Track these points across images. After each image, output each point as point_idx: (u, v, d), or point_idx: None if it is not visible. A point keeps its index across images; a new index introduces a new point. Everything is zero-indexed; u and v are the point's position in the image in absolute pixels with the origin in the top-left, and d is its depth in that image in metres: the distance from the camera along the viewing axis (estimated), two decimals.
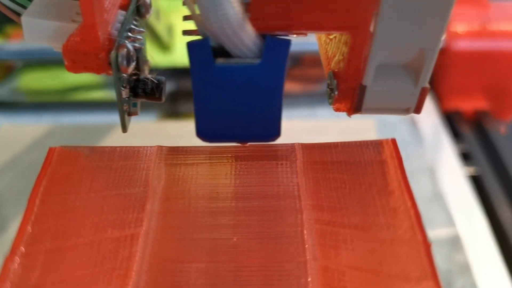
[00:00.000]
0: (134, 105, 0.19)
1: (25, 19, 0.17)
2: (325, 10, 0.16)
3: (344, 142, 0.19)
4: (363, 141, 0.19)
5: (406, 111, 0.18)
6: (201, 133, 0.18)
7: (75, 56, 0.16)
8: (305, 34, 0.17)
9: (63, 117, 0.42)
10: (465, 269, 0.31)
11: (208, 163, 0.19)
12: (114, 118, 0.42)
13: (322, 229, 0.16)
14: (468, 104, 0.45)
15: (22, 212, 0.16)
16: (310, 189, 0.17)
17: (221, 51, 0.16)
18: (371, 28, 0.16)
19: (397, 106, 0.18)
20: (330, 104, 0.18)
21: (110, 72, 0.17)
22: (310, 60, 0.48)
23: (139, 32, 0.19)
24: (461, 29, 0.44)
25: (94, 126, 0.39)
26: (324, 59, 0.19)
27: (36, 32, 0.17)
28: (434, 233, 0.33)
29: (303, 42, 0.45)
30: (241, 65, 0.16)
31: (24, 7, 0.17)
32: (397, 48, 0.16)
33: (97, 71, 0.17)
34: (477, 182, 0.38)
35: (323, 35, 0.20)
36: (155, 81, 0.18)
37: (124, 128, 0.18)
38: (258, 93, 0.17)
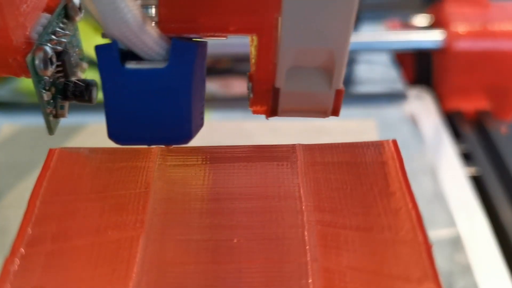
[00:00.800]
0: (62, 107, 0.19)
1: None
2: (230, 12, 0.16)
3: (345, 143, 0.19)
4: (364, 142, 0.19)
5: (323, 113, 0.18)
6: (112, 135, 0.18)
7: None
8: (225, 37, 0.17)
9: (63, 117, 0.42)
10: (466, 269, 0.31)
11: (208, 164, 0.19)
12: None
13: (323, 230, 0.16)
14: (469, 104, 0.45)
15: (22, 213, 0.16)
16: (311, 190, 0.17)
17: (132, 54, 0.16)
18: (275, 30, 0.16)
19: (314, 109, 0.18)
20: (249, 107, 0.19)
21: (28, 75, 0.17)
22: None
23: (65, 35, 0.19)
24: (462, 29, 0.44)
25: (94, 127, 0.39)
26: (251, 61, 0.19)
27: None
28: (435, 233, 0.33)
29: None
30: (148, 68, 0.17)
31: None
32: (305, 49, 0.16)
33: (15, 74, 0.17)
34: (478, 183, 0.38)
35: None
36: (82, 84, 0.19)
37: (51, 131, 0.19)
38: (166, 97, 0.17)
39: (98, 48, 0.17)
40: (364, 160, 0.18)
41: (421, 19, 0.50)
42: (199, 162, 0.19)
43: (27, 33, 0.17)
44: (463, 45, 0.43)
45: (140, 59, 0.17)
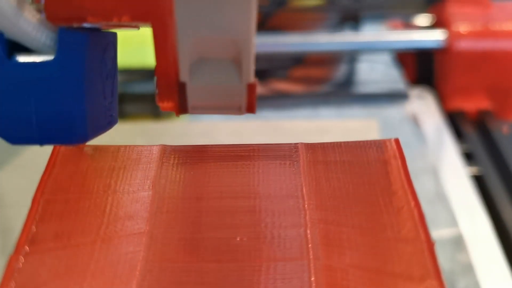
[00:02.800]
0: None
1: None
2: None
3: (348, 142, 0.19)
4: (367, 141, 0.19)
5: (238, 110, 0.17)
6: (3, 134, 0.17)
7: None
8: (102, 25, 0.16)
9: None
10: (468, 269, 0.31)
11: (211, 163, 0.19)
12: None
13: (326, 228, 0.16)
14: (471, 104, 0.45)
15: (26, 211, 0.16)
16: (313, 189, 0.17)
17: (23, 47, 0.15)
18: (169, 17, 0.15)
19: (227, 104, 0.17)
20: (156, 103, 0.17)
21: None
22: (313, 60, 0.49)
23: None
24: (463, 29, 0.44)
25: None
26: None
27: None
28: (437, 233, 0.33)
29: (306, 42, 0.45)
30: (36, 61, 0.15)
31: None
32: (206, 39, 0.15)
33: None
34: (480, 182, 0.38)
35: None
36: None
37: None
38: (55, 92, 0.16)
39: None
40: (367, 159, 0.18)
41: (422, 19, 0.50)
42: (202, 161, 0.19)
43: None
44: (464, 45, 0.43)
45: (29, 50, 0.15)
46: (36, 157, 0.36)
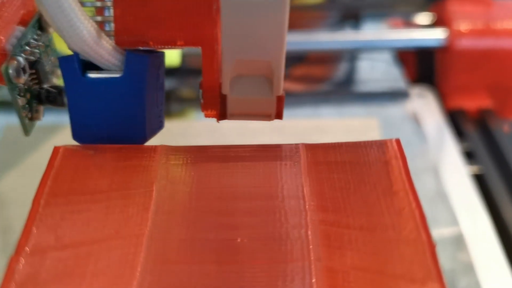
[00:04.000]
0: (37, 111, 0.21)
1: None
2: (176, 28, 0.18)
3: (348, 143, 0.19)
4: (367, 141, 0.19)
5: (268, 117, 0.20)
6: (76, 137, 0.20)
7: None
8: (163, 49, 0.19)
9: (66, 117, 0.42)
10: (469, 268, 0.31)
11: (212, 163, 0.19)
12: None
13: (327, 229, 0.16)
14: (472, 103, 0.45)
15: (27, 212, 0.16)
16: (314, 189, 0.17)
17: (92, 64, 0.18)
18: (216, 43, 0.18)
19: (259, 113, 0.20)
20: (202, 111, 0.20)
21: (3, 83, 0.19)
22: (314, 59, 0.48)
23: (38, 46, 0.20)
24: (464, 27, 0.44)
25: None
26: None
27: None
28: (438, 232, 0.33)
29: (307, 41, 0.45)
30: (106, 78, 0.19)
31: None
32: (245, 61, 0.18)
33: None
34: (481, 181, 0.38)
35: None
36: (55, 90, 0.21)
37: (26, 132, 0.21)
38: (123, 103, 0.19)
39: (60, 60, 0.19)
40: (368, 159, 0.18)
41: (423, 18, 0.50)
42: (202, 162, 0.19)
43: (2, 45, 0.19)
44: (465, 43, 0.43)
45: (99, 68, 0.18)
46: (37, 157, 0.36)
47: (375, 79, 0.48)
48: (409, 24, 0.51)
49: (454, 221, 0.34)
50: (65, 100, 0.20)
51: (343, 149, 0.19)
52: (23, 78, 0.19)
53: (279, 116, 0.20)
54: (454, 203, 0.35)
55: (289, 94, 0.49)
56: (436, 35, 0.44)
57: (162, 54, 0.19)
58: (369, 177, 0.18)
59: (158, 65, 0.19)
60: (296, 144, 0.19)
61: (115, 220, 0.16)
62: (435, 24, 0.47)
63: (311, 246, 0.16)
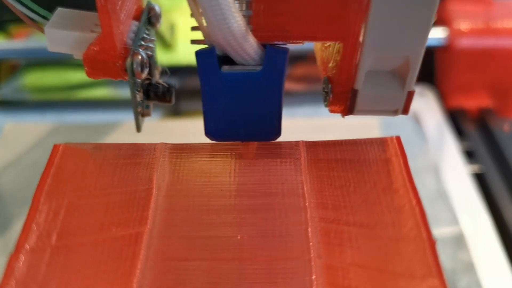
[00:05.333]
0: (147, 107, 0.20)
1: (49, 30, 0.18)
2: (319, 22, 0.18)
3: (349, 140, 0.19)
4: (368, 139, 0.19)
5: (394, 112, 0.20)
6: (209, 132, 0.19)
7: (94, 64, 0.18)
8: (302, 43, 0.18)
9: (67, 115, 0.42)
10: (469, 267, 0.31)
11: (212, 161, 0.19)
12: (118, 116, 0.42)
13: (327, 227, 0.16)
14: (472, 102, 0.45)
15: (27, 210, 0.16)
16: (314, 187, 0.17)
17: (226, 59, 0.18)
18: (361, 38, 0.18)
19: (386, 108, 0.19)
20: (326, 106, 0.20)
21: (126, 77, 0.18)
22: (314, 58, 0.48)
23: (151, 41, 0.20)
24: (465, 26, 0.44)
25: (98, 124, 0.39)
26: (320, 64, 0.21)
27: (59, 41, 0.19)
28: (438, 231, 0.33)
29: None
30: (244, 72, 0.18)
31: (47, 19, 0.19)
32: (384, 56, 0.18)
33: (114, 76, 0.18)
34: (481, 180, 0.38)
35: (319, 43, 0.21)
36: (166, 85, 0.20)
37: (139, 128, 0.20)
38: (260, 97, 0.19)
39: (198, 54, 0.18)
40: (368, 157, 0.18)
41: None
42: (203, 159, 0.19)
43: (124, 39, 0.18)
44: (466, 42, 0.43)
45: (232, 63, 0.18)
46: (37, 155, 0.36)
47: None
48: None
49: (454, 220, 0.34)
50: (173, 96, 0.20)
51: (343, 147, 0.19)
52: (145, 74, 0.19)
53: (405, 111, 0.19)
54: (454, 202, 0.35)
55: (289, 93, 0.49)
56: (437, 35, 0.44)
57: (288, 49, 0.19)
58: (369, 175, 0.18)
59: (287, 59, 0.19)
60: (296, 142, 0.19)
61: (115, 217, 0.16)
62: (435, 23, 0.47)
63: (311, 243, 0.16)
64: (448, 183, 0.37)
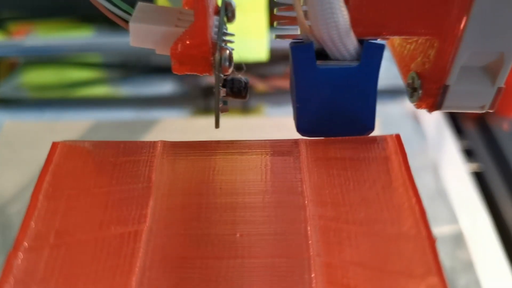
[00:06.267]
0: (225, 103, 0.20)
1: (133, 25, 0.18)
2: (420, 17, 0.18)
3: (348, 138, 0.19)
4: (367, 137, 0.19)
5: (481, 108, 0.20)
6: (302, 129, 0.20)
7: (184, 58, 0.18)
8: (387, 38, 0.19)
9: (66, 113, 0.42)
10: (469, 266, 0.31)
11: (211, 159, 0.19)
12: (117, 114, 0.42)
13: (326, 225, 0.16)
14: None
15: (25, 208, 0.16)
16: (314, 185, 0.17)
17: (320, 54, 0.18)
18: (459, 34, 0.17)
19: (474, 104, 0.20)
20: (412, 102, 0.20)
21: (212, 73, 0.18)
22: None
23: (230, 36, 0.20)
24: None
25: (97, 123, 0.39)
26: (401, 60, 0.21)
27: (143, 36, 0.18)
28: (437, 230, 0.33)
29: None
30: (340, 67, 0.18)
31: (129, 14, 0.19)
32: (480, 52, 0.18)
33: (201, 71, 0.18)
34: (480, 179, 0.38)
35: (397, 38, 0.21)
36: (244, 81, 0.20)
37: (217, 124, 0.20)
38: (355, 92, 0.19)
39: (295, 49, 0.18)
40: (367, 155, 0.18)
41: None
42: (202, 157, 0.19)
43: (212, 34, 0.18)
44: None
45: (326, 58, 0.18)
46: (36, 153, 0.36)
47: None
48: None
49: (453, 219, 0.34)
50: (248, 92, 0.20)
51: (343, 145, 0.19)
52: (231, 69, 0.19)
53: (492, 107, 0.20)
54: (453, 201, 0.35)
55: (288, 92, 0.49)
56: None
57: None
58: (368, 173, 0.18)
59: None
60: (296, 140, 0.19)
61: (114, 215, 0.16)
62: None
63: (310, 242, 0.16)
64: (448, 182, 0.37)
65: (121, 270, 0.15)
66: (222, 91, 0.19)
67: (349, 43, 0.18)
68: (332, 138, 0.19)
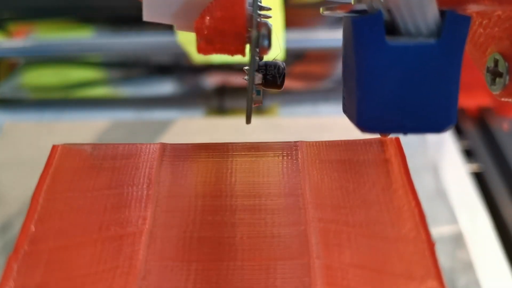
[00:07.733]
0: (258, 92, 0.17)
1: None
2: None
3: (348, 141, 0.19)
4: (367, 139, 0.19)
5: None
6: (363, 122, 0.16)
7: (211, 35, 0.15)
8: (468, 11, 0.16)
9: (65, 114, 0.42)
10: (468, 266, 0.31)
11: (211, 161, 0.19)
12: (117, 115, 0.42)
13: (326, 227, 0.16)
14: (471, 101, 0.45)
15: (25, 210, 0.16)
16: (313, 187, 0.17)
17: (386, 29, 0.15)
18: None
19: None
20: (494, 91, 0.17)
21: (245, 54, 0.15)
22: (313, 57, 0.48)
23: (267, 10, 0.16)
24: None
25: (97, 124, 0.39)
26: (477, 44, 0.18)
27: (159, 9, 0.15)
28: (437, 230, 0.33)
29: (306, 38, 0.45)
30: (417, 44, 0.15)
31: None
32: None
33: (232, 52, 0.15)
34: (480, 179, 0.38)
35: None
36: (281, 66, 0.16)
37: (249, 119, 0.17)
38: (434, 76, 0.15)
39: (357, 22, 0.14)
40: (367, 157, 0.18)
41: None
42: (202, 159, 0.19)
43: (246, 5, 0.15)
44: None
45: (394, 33, 0.15)
46: (36, 154, 0.36)
47: None
48: None
49: (453, 220, 0.34)
50: (284, 80, 0.17)
51: (343, 147, 0.19)
52: (270, 50, 0.15)
53: None
54: (453, 201, 0.35)
55: (288, 92, 0.49)
56: None
57: None
58: (368, 175, 0.18)
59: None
60: (295, 142, 0.19)
61: (114, 217, 0.16)
62: None
63: (310, 244, 0.16)
64: (447, 182, 0.37)
65: (121, 272, 0.15)
66: (257, 77, 0.16)
67: (430, 13, 0.14)
68: (332, 140, 0.19)
